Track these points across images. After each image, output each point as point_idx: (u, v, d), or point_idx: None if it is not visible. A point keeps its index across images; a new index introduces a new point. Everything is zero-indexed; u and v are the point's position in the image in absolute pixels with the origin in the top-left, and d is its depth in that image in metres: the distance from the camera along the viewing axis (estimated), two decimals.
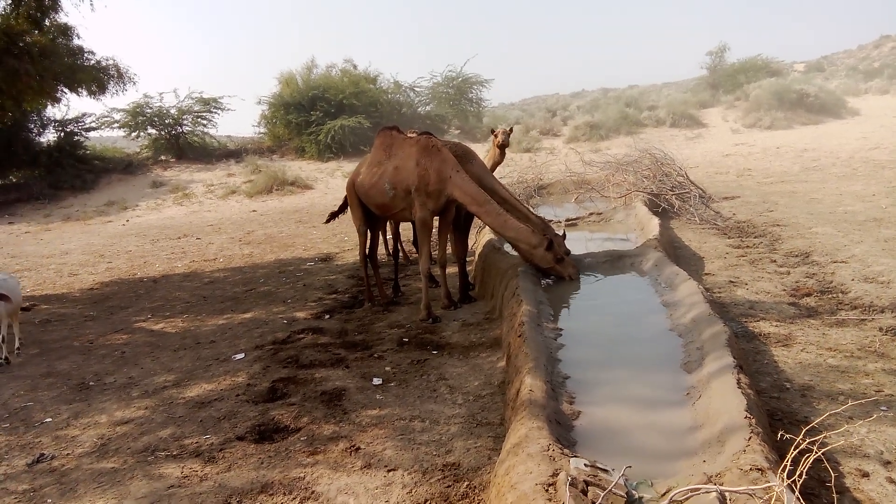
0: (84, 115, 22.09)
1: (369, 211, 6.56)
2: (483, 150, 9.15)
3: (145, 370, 5.43)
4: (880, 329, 4.68)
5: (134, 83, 13.31)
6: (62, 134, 21.48)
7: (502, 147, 8.60)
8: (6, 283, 5.54)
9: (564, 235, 6.20)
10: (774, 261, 6.83)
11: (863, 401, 3.54)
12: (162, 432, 4.14)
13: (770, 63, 31.47)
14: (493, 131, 8.82)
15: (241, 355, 5.53)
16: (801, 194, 10.90)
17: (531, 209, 6.87)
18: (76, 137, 21.82)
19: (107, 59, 12.24)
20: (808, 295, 5.62)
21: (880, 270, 6.01)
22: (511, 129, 8.95)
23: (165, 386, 5.00)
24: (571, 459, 2.66)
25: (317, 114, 23.16)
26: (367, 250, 6.71)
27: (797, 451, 2.38)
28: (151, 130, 23.53)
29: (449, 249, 6.91)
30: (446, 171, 5.87)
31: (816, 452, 2.34)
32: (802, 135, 21.53)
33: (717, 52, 31.85)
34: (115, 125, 23.08)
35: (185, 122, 23.70)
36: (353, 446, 3.67)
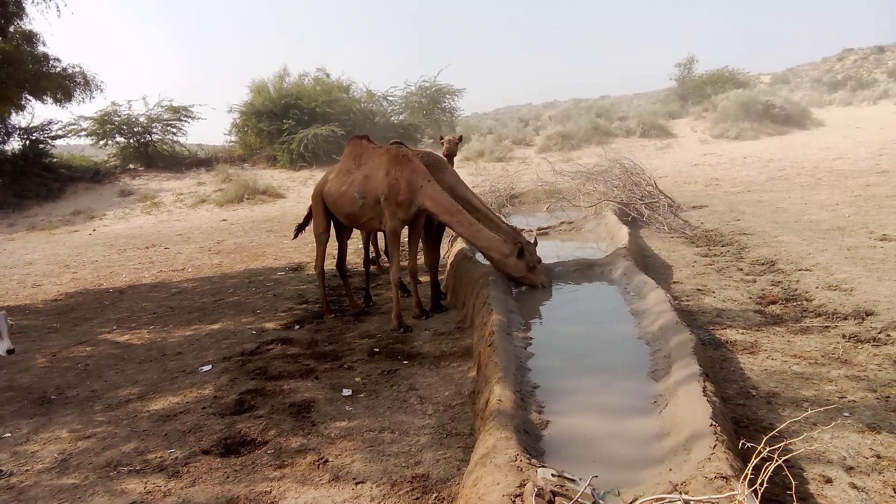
0: (50, 122, 21.78)
1: (336, 220, 6.53)
2: (455, 160, 9.01)
3: (109, 383, 5.32)
4: (843, 336, 4.77)
5: (101, 90, 13.20)
6: (27, 142, 21.09)
7: (449, 156, 7.90)
8: None
9: (536, 243, 6.24)
10: (741, 269, 6.93)
11: (826, 407, 3.59)
12: (125, 447, 4.04)
13: (737, 75, 32.14)
14: (441, 139, 8.27)
15: (208, 367, 5.44)
16: (768, 203, 11.10)
17: (503, 218, 6.88)
18: (42, 145, 21.45)
19: (73, 67, 12.12)
20: (774, 303, 5.71)
21: (843, 278, 6.13)
22: (460, 138, 8.35)
23: (130, 399, 4.89)
24: (539, 469, 2.65)
25: (289, 122, 23.04)
26: (324, 259, 6.64)
27: (759, 458, 2.40)
28: (120, 139, 23.18)
29: (421, 258, 6.90)
30: (417, 181, 5.86)
31: (777, 460, 2.37)
32: (768, 145, 21.96)
33: (685, 63, 32.48)
34: (83, 133, 22.70)
35: (154, 130, 23.39)
36: (321, 459, 3.62)
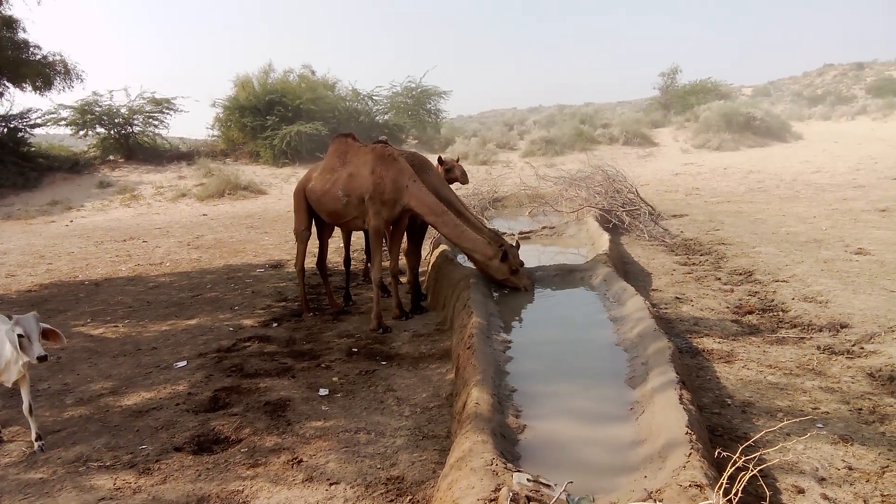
0: (29, 110, 21.32)
1: (318, 218, 6.49)
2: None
3: (81, 376, 5.23)
4: (818, 347, 4.82)
5: (81, 80, 13.03)
6: (5, 130, 20.66)
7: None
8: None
9: (518, 245, 6.24)
10: (719, 278, 6.99)
11: (801, 418, 3.62)
12: (95, 442, 3.98)
13: (719, 86, 32.53)
14: (440, 160, 7.71)
15: (184, 363, 5.38)
16: (746, 214, 11.22)
17: (484, 222, 6.87)
18: (20, 134, 21.02)
19: (54, 55, 11.96)
20: (751, 313, 5.76)
21: (819, 290, 6.20)
22: (458, 160, 8.06)
23: (102, 393, 4.81)
24: (514, 474, 2.64)
25: (273, 118, 22.84)
26: (305, 257, 6.59)
27: (734, 467, 2.41)
28: (100, 129, 22.79)
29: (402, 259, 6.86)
30: (402, 181, 5.84)
31: (752, 470, 2.38)
32: (749, 157, 22.23)
33: (669, 73, 32.80)
34: (62, 122, 22.27)
35: (135, 121, 23.06)
36: (296, 459, 3.59)
